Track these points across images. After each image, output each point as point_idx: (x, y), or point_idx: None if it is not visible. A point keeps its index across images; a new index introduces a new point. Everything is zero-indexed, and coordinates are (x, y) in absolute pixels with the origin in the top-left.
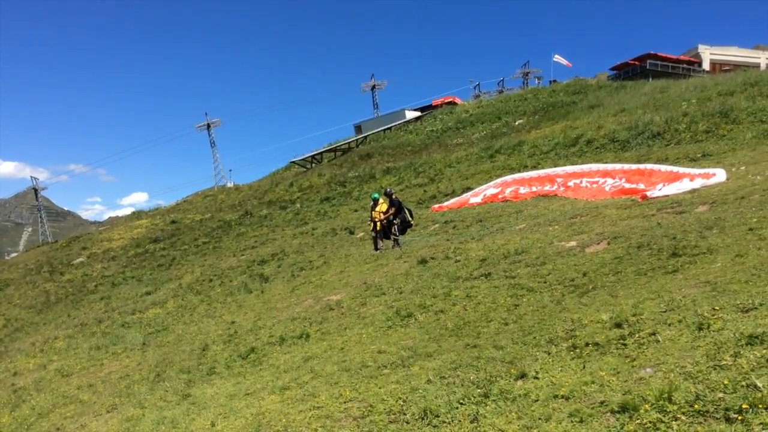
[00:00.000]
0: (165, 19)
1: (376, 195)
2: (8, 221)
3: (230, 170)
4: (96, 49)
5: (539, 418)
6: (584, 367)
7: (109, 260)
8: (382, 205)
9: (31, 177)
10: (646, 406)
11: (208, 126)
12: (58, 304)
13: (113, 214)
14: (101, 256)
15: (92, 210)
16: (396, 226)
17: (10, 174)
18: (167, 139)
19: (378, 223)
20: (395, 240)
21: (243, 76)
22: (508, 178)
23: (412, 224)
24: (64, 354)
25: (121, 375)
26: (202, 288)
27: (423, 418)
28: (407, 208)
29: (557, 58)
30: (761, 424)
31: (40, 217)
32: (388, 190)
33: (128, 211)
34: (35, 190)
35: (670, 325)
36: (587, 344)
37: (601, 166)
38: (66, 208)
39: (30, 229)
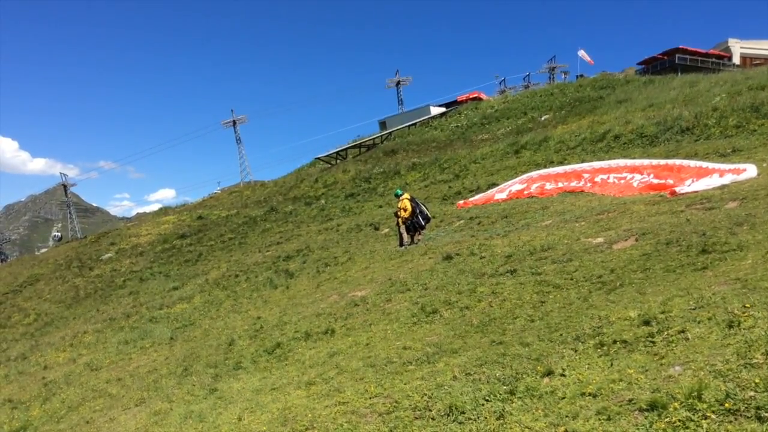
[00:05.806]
0: (193, 18)
1: (399, 191)
2: (38, 217)
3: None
4: (127, 49)
5: (566, 416)
6: (612, 364)
7: (137, 256)
8: (404, 201)
9: (61, 173)
10: (676, 404)
11: (234, 123)
12: (87, 299)
13: (141, 210)
14: (129, 252)
15: (120, 206)
16: (415, 221)
17: (41, 170)
18: (194, 136)
19: (399, 219)
20: (416, 230)
21: (269, 73)
22: (534, 173)
23: (429, 217)
24: (93, 348)
25: (149, 369)
26: (228, 283)
27: (448, 415)
28: (422, 204)
29: (582, 53)
30: None
31: (69, 213)
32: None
33: (155, 207)
34: (65, 187)
35: (699, 322)
36: (615, 342)
37: (629, 162)
38: (95, 204)
39: (59, 225)
